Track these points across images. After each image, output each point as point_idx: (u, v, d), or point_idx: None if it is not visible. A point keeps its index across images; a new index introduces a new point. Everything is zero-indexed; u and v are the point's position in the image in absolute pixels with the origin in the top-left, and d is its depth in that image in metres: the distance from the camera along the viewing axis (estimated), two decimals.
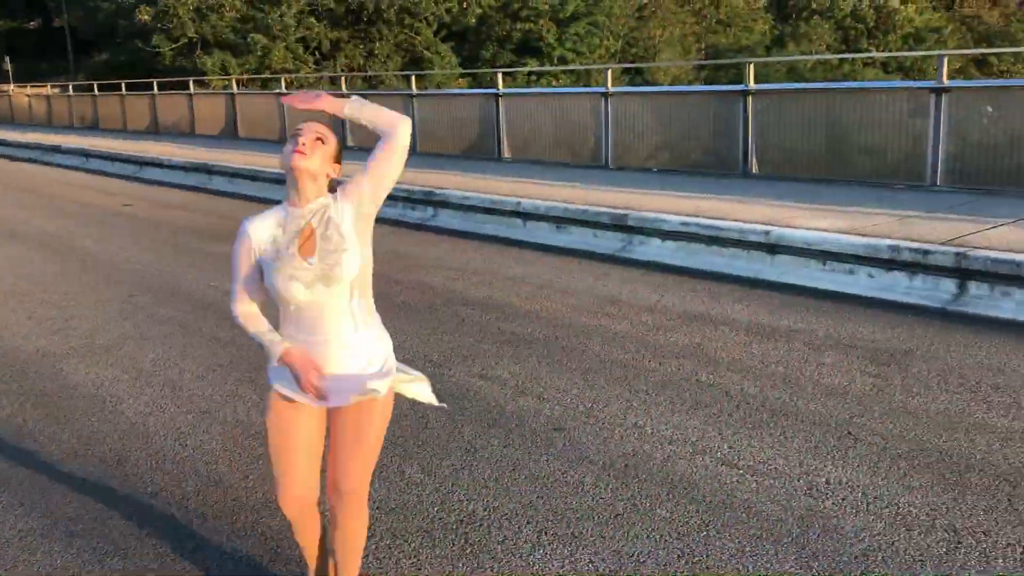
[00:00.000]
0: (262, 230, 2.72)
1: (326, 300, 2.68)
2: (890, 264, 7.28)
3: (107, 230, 11.25)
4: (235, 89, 22.45)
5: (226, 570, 3.44)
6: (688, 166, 12.36)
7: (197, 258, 9.30)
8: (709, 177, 11.68)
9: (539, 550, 3.50)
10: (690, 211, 9.03)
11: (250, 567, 3.45)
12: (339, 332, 2.72)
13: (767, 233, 8.08)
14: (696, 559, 3.41)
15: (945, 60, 9.78)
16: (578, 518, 3.73)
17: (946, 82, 9.68)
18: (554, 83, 41.82)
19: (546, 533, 3.61)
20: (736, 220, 8.50)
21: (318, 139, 2.68)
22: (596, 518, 3.72)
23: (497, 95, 14.86)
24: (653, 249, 8.97)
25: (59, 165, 20.60)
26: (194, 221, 11.84)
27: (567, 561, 3.41)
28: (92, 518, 3.87)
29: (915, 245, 7.17)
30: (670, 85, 34.26)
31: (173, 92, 24.44)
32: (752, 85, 11.49)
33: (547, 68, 38.62)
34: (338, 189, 2.74)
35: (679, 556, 3.44)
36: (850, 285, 7.37)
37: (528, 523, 3.69)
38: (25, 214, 12.91)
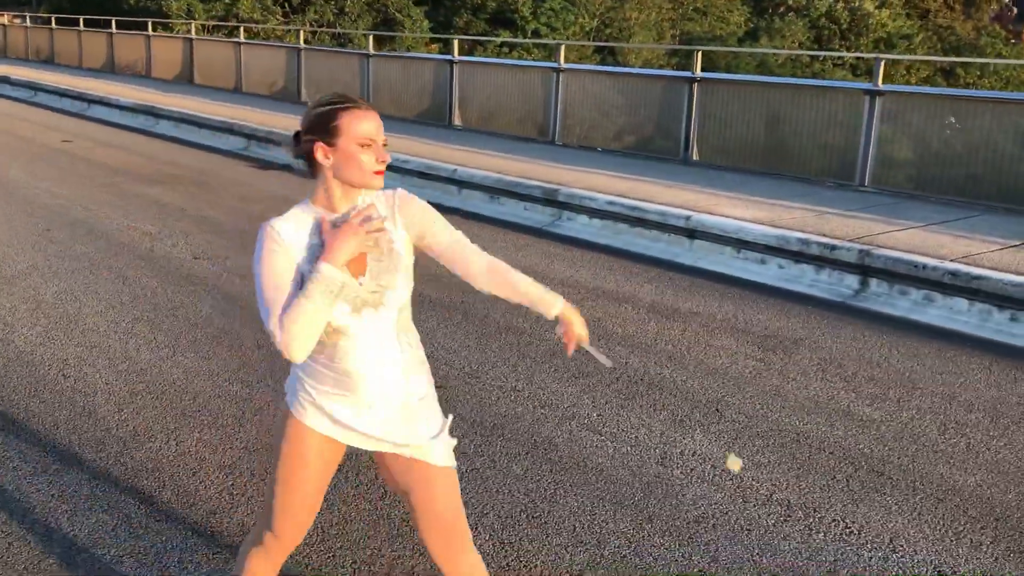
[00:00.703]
0: (296, 236, 2.18)
1: (373, 328, 2.24)
2: (798, 256, 7.47)
3: (40, 165, 11.12)
4: (194, 35, 22.11)
5: (81, 497, 3.51)
6: (631, 148, 12.48)
7: (124, 199, 9.25)
8: (651, 160, 11.81)
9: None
10: (623, 191, 9.16)
11: (107, 497, 3.52)
12: (383, 365, 2.28)
13: (688, 218, 8.23)
14: (536, 515, 3.54)
15: (881, 64, 9.97)
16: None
17: (881, 85, 9.87)
18: (526, 57, 41.75)
19: None
20: (662, 203, 8.64)
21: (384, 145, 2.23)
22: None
23: (452, 62, 14.84)
24: (580, 226, 9.08)
25: (5, 96, 20.22)
26: (130, 162, 11.74)
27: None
28: None
29: (823, 240, 7.36)
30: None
31: (132, 32, 24.05)
32: (698, 72, 11.61)
33: (518, 40, 38.49)
34: (395, 204, 2.29)
35: (521, 511, 3.56)
36: (759, 274, 7.54)
37: None
38: None
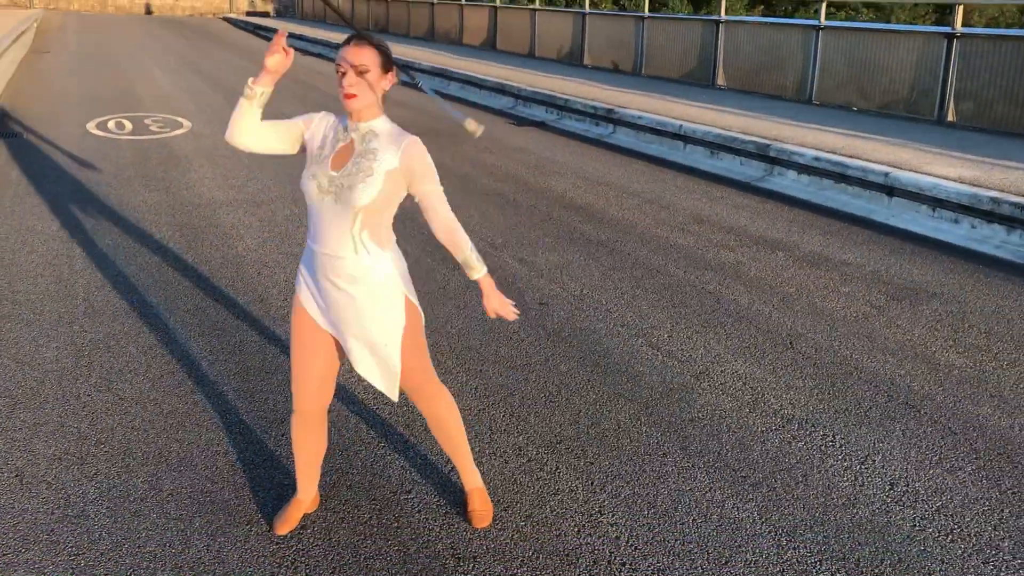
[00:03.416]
0: (323, 124, 2.81)
1: (332, 215, 2.69)
2: (989, 216, 7.19)
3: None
4: (498, 3, 23.75)
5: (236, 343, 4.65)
6: (886, 108, 12.08)
7: None
8: (903, 121, 11.43)
9: (455, 375, 4.39)
10: (835, 148, 9.13)
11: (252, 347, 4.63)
12: (339, 250, 2.72)
13: (886, 175, 8.11)
14: (552, 398, 4.16)
15: None
16: (505, 361, 4.56)
17: None
18: (856, 18, 39.73)
19: (474, 360, 4.50)
20: (865, 160, 8.54)
21: (360, 73, 2.64)
22: (511, 362, 4.53)
23: (718, 22, 15.00)
24: (788, 181, 9.18)
25: (331, 59, 23.07)
26: (407, 118, 13.32)
27: (475, 377, 4.28)
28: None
29: (1015, 199, 7.03)
30: (985, 27, 31.51)
31: (448, 2, 26.25)
32: (958, 28, 11.01)
33: None
34: (404, 144, 2.72)
35: (542, 394, 4.20)
36: (948, 233, 7.36)
37: (471, 351, 4.59)
38: (278, 99, 14.90)
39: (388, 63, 2.71)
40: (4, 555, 2.93)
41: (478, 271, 2.89)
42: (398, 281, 2.84)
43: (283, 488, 3.37)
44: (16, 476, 3.39)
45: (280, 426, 3.84)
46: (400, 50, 22.19)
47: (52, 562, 2.91)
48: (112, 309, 5.14)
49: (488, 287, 2.92)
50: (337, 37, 26.96)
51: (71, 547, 2.99)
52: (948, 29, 11.06)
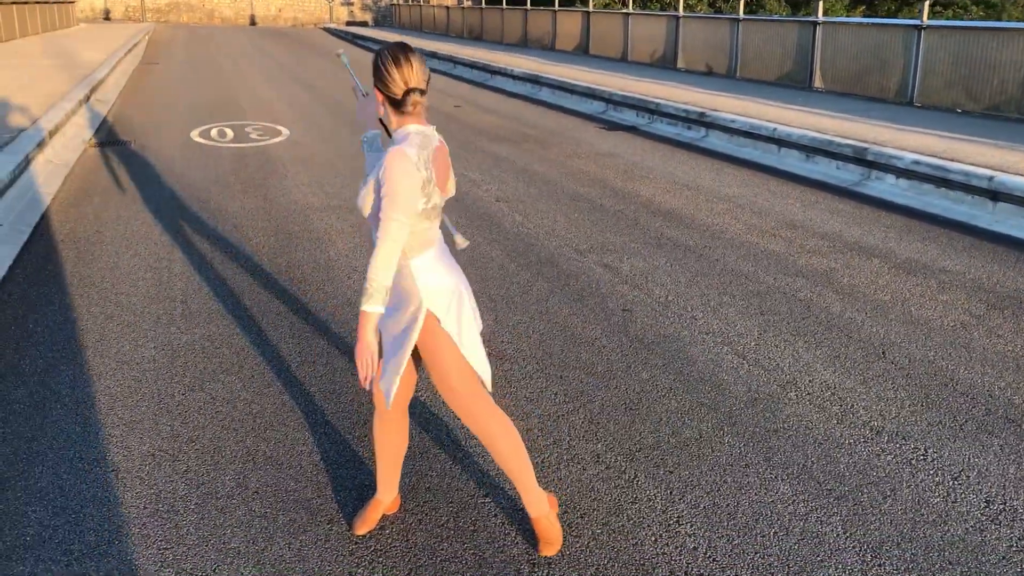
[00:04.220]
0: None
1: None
2: None
3: None
4: (591, 8, 23.71)
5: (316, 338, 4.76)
6: (993, 109, 11.62)
7: (470, 152, 10.80)
8: (1014, 123, 11.00)
9: (535, 380, 4.40)
10: (938, 152, 8.83)
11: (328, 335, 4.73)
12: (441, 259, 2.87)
13: (991, 178, 7.80)
14: (635, 407, 4.12)
15: None
16: (586, 367, 4.55)
17: None
18: (964, 16, 38.37)
19: (553, 366, 4.50)
20: (969, 163, 8.24)
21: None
22: (592, 368, 4.52)
23: (815, 23, 14.67)
24: (886, 186, 8.92)
25: (433, 70, 23.40)
26: (496, 124, 13.40)
27: (555, 383, 4.28)
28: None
29: None
30: None
31: (541, 8, 26.34)
32: None
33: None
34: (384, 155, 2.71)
35: (622, 402, 4.17)
36: None
37: (547, 355, 4.60)
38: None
39: (376, 82, 2.76)
40: (98, 546, 3.06)
41: (361, 303, 2.69)
42: (415, 293, 2.79)
43: (364, 488, 3.43)
44: (113, 471, 3.54)
45: (363, 427, 3.91)
46: (493, 56, 22.38)
47: (143, 555, 3.02)
48: (208, 312, 5.31)
49: (360, 325, 2.72)
50: (428, 44, 27.33)
51: (160, 540, 3.10)
52: None
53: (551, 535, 3.06)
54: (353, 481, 3.49)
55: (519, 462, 2.99)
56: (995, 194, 7.72)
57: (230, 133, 11.90)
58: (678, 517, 3.25)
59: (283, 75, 20.71)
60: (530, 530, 3.15)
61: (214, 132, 11.98)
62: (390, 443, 3.11)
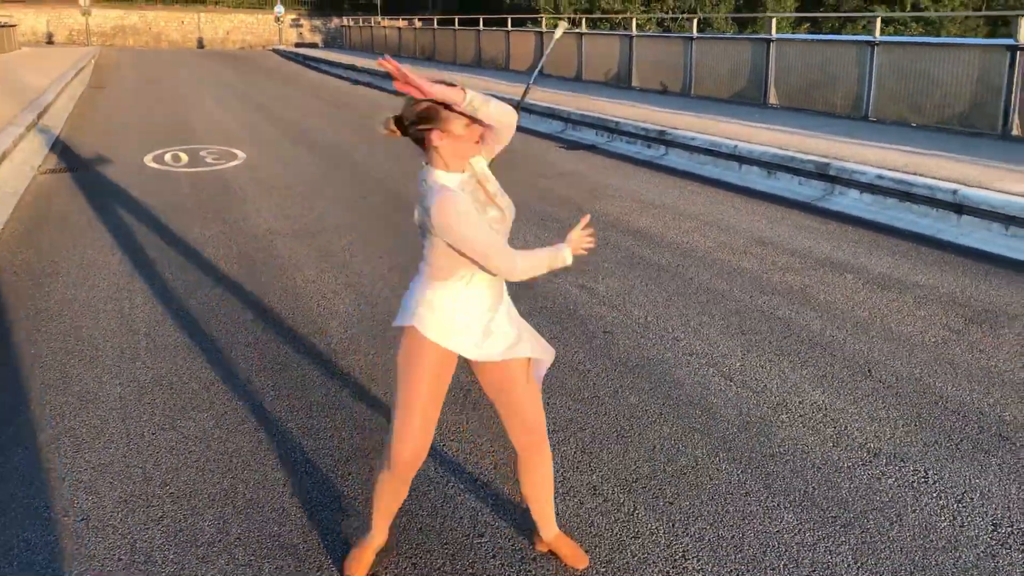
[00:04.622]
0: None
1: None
2: None
3: (383, 146, 13.00)
4: (543, 28, 23.77)
5: (295, 386, 4.58)
6: (946, 123, 11.79)
7: None
8: (964, 136, 11.17)
9: None
10: (901, 166, 8.89)
11: (311, 383, 4.55)
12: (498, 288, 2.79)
13: (955, 192, 7.86)
14: (626, 434, 4.01)
15: None
16: (572, 393, 4.42)
17: None
18: (905, 33, 39.21)
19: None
20: (932, 177, 8.30)
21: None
22: (578, 394, 4.39)
23: (768, 40, 14.81)
24: (849, 200, 8.95)
25: (387, 90, 23.25)
26: None
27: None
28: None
29: None
30: None
31: (494, 28, 26.36)
32: (1022, 39, 10.71)
33: (895, 14, 36.34)
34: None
35: (614, 430, 4.05)
36: (1022, 252, 7.08)
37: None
38: (331, 129, 15.11)
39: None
40: None
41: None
42: (414, 308, 2.70)
43: (351, 530, 3.26)
44: (83, 520, 3.33)
45: (346, 464, 3.74)
46: (448, 76, 22.26)
47: None
48: (174, 344, 5.10)
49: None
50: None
51: None
52: (1011, 41, 10.77)
53: (575, 549, 3.05)
54: (340, 523, 3.32)
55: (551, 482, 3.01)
56: (959, 207, 7.78)
57: (184, 157, 11.64)
58: (683, 552, 3.14)
59: (235, 98, 20.42)
60: (530, 568, 3.01)
61: (168, 157, 11.71)
62: (393, 499, 2.93)
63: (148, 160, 11.40)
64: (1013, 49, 10.74)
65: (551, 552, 3.11)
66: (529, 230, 7.80)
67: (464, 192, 2.60)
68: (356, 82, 25.88)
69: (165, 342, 5.13)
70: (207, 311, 5.65)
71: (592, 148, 12.94)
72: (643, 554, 3.12)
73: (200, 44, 51.45)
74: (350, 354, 4.95)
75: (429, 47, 31.24)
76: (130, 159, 11.44)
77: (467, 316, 2.70)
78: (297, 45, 50.35)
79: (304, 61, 35.90)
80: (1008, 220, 7.33)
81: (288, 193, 9.41)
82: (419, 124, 2.60)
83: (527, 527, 3.26)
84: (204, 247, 7.19)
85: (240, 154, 12.00)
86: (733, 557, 3.10)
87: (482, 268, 2.63)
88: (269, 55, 42.14)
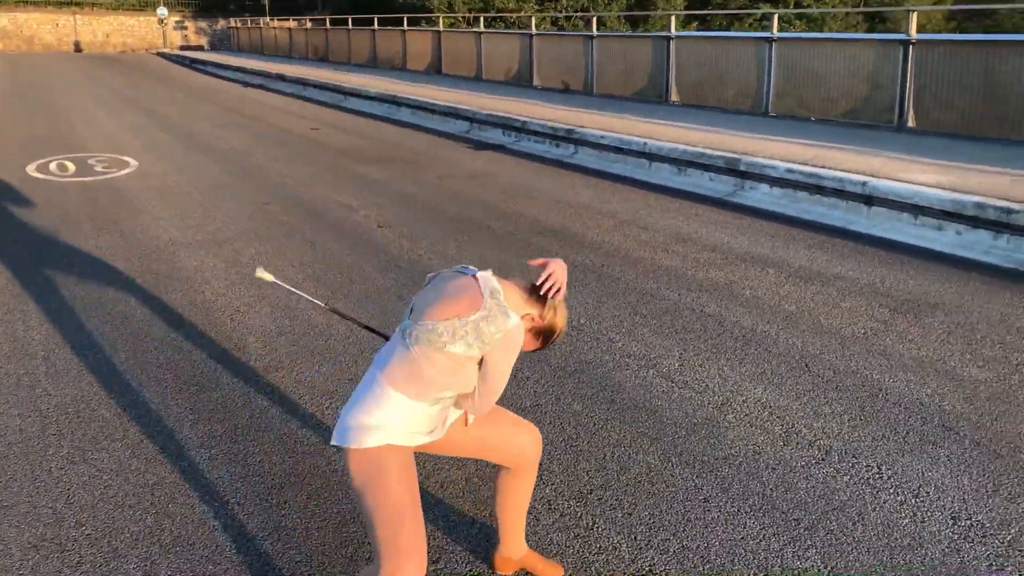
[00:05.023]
0: None
1: None
2: (975, 222, 7.09)
3: (281, 150, 12.58)
4: (441, 27, 23.54)
5: (210, 405, 4.26)
6: (844, 116, 12.07)
7: (340, 176, 10.34)
8: (863, 129, 11.44)
9: None
10: (808, 159, 9.01)
11: (232, 405, 4.24)
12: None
13: (864, 184, 7.99)
14: (574, 444, 3.85)
15: None
16: (512, 402, 4.23)
17: None
18: (790, 30, 40.39)
19: None
20: (840, 170, 8.43)
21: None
22: (519, 403, 4.22)
23: (668, 38, 14.93)
24: (760, 195, 9.03)
25: (280, 92, 22.65)
26: (360, 145, 12.97)
27: None
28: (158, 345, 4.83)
29: (1000, 204, 6.94)
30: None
31: (389, 28, 25.99)
32: (913, 35, 11.04)
33: (778, 11, 37.33)
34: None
35: (562, 439, 3.89)
36: (934, 241, 7.24)
37: None
38: (224, 132, 14.57)
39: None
40: None
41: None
42: (372, 428, 2.39)
43: (293, 564, 3.01)
44: None
45: (280, 492, 3.47)
46: (344, 77, 21.87)
47: None
48: (76, 368, 4.72)
49: None
50: (274, 67, 26.54)
51: None
52: (904, 36, 11.08)
53: (548, 562, 2.92)
54: (280, 557, 3.06)
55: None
56: (869, 199, 7.91)
57: (71, 167, 11.00)
58: (650, 566, 3.00)
59: (121, 103, 19.55)
60: None
61: (53, 166, 11.05)
62: None
63: (31, 170, 10.73)
64: (906, 44, 11.05)
65: (520, 572, 2.93)
66: (448, 234, 7.59)
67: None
68: (247, 84, 25.14)
69: (67, 366, 4.74)
70: (111, 330, 5.27)
71: (500, 148, 12.80)
72: (608, 571, 2.97)
73: (77, 48, 49.34)
74: (272, 371, 4.67)
75: (322, 48, 30.63)
76: (11, 169, 10.75)
77: (423, 423, 2.46)
78: (182, 48, 48.80)
79: (191, 64, 34.76)
80: (916, 210, 7.48)
81: (187, 201, 8.96)
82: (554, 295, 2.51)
83: (483, 550, 3.07)
84: (101, 261, 6.74)
85: (132, 161, 11.42)
86: (701, 568, 2.98)
87: (468, 396, 2.46)
88: (153, 58, 40.67)
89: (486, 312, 2.34)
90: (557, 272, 2.50)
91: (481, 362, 2.38)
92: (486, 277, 2.44)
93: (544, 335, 2.54)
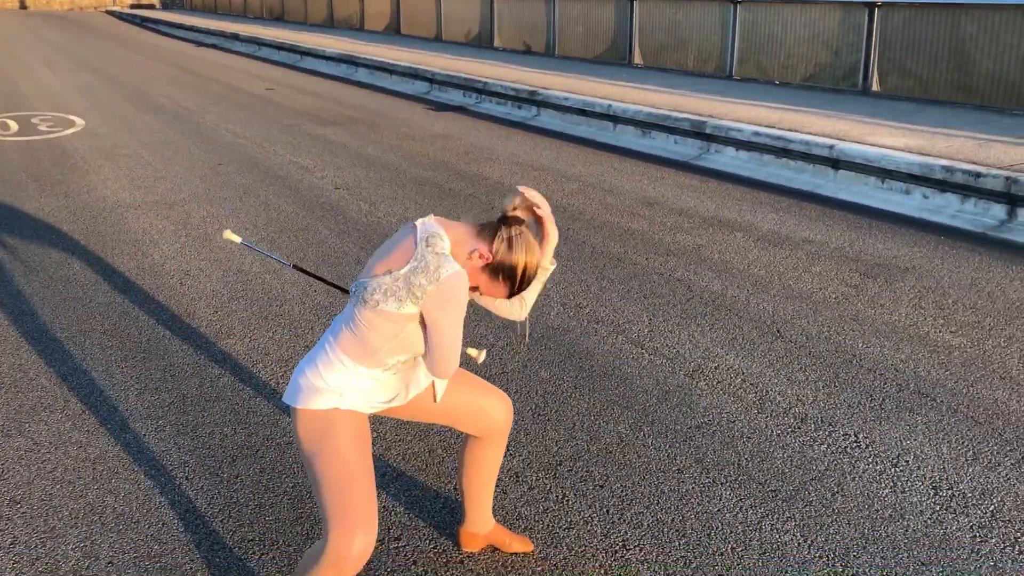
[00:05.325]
0: None
1: None
2: (943, 185, 7.01)
3: (235, 110, 12.20)
4: None
5: (161, 368, 4.04)
6: (809, 80, 11.96)
7: (297, 138, 10.03)
8: (828, 92, 11.34)
9: None
10: (775, 122, 8.88)
11: (182, 372, 4.02)
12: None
13: (831, 147, 7.88)
14: (543, 413, 3.69)
15: None
16: (478, 369, 4.05)
17: None
18: None
19: None
20: (807, 133, 8.32)
21: None
22: (485, 370, 4.05)
23: (632, 0, 14.69)
24: (726, 158, 8.89)
25: (235, 52, 22.06)
26: (317, 106, 12.62)
27: None
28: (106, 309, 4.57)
29: (968, 167, 6.87)
30: None
31: None
32: None
33: None
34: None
35: (530, 409, 3.73)
36: (901, 205, 7.16)
37: None
38: (177, 92, 14.11)
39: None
40: None
41: None
42: (319, 389, 2.22)
43: (245, 542, 2.82)
44: None
45: (233, 465, 3.28)
46: (300, 37, 21.35)
47: None
48: (14, 336, 4.45)
49: None
50: (228, 26, 25.89)
51: None
52: None
53: (516, 536, 2.79)
54: (232, 536, 2.87)
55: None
56: (836, 162, 7.81)
57: (14, 125, 10.56)
58: (623, 541, 2.85)
59: (68, 61, 18.90)
60: (456, 572, 2.67)
61: None
62: None
63: None
64: (871, 6, 10.93)
65: (487, 548, 2.77)
66: (407, 196, 7.37)
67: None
68: (201, 44, 24.47)
69: (4, 333, 4.48)
70: (52, 295, 5.00)
71: (461, 109, 12.53)
72: (580, 547, 2.82)
73: (22, 5, 47.80)
74: (224, 338, 4.44)
75: (277, 8, 29.91)
76: None
77: (380, 391, 2.26)
78: (133, 7, 47.47)
79: (142, 23, 33.80)
80: (884, 173, 7.39)
81: (135, 161, 8.62)
82: (510, 225, 2.17)
83: (447, 526, 2.91)
84: (44, 223, 6.43)
85: (78, 121, 10.99)
86: (677, 543, 2.84)
87: (423, 359, 2.19)
88: (102, 16, 39.50)
89: (416, 263, 2.08)
90: (534, 196, 2.23)
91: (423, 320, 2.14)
92: (426, 224, 2.17)
93: (505, 273, 2.17)
